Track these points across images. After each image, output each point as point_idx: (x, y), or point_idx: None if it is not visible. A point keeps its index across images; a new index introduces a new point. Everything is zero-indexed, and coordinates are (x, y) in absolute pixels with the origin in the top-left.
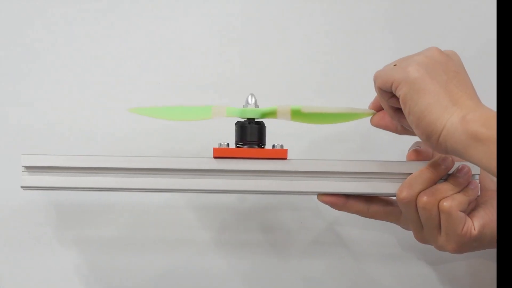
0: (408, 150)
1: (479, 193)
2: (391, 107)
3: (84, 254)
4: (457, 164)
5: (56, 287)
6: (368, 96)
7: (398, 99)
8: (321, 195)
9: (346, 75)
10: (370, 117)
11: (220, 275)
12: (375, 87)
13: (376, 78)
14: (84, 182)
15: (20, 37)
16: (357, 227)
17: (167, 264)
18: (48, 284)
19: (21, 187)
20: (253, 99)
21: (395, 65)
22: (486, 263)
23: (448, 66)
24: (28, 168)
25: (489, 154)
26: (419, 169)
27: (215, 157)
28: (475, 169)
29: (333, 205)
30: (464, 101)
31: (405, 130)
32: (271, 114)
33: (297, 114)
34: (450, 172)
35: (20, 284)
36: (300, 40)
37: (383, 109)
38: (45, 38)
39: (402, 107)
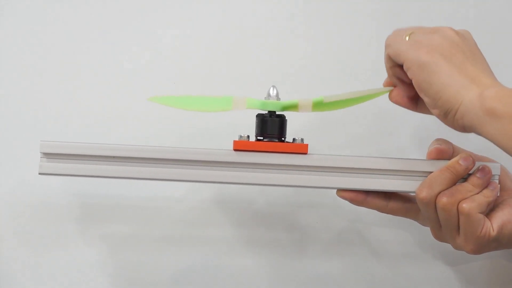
0: (429, 148)
1: (498, 194)
2: (396, 76)
3: (104, 250)
4: (478, 164)
5: (74, 282)
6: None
7: (402, 69)
8: (341, 191)
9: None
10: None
11: (238, 273)
12: (384, 53)
13: (388, 46)
14: (101, 170)
15: (42, 26)
16: (376, 226)
17: (185, 262)
18: (67, 279)
19: (39, 173)
20: (275, 91)
21: (411, 33)
22: (505, 263)
23: (463, 46)
24: (47, 154)
25: (505, 131)
26: (439, 168)
27: (235, 150)
28: (495, 170)
29: (352, 201)
30: (481, 78)
31: (420, 108)
32: (293, 107)
33: (318, 105)
34: (471, 172)
35: (40, 279)
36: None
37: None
38: (67, 27)
39: (417, 90)
